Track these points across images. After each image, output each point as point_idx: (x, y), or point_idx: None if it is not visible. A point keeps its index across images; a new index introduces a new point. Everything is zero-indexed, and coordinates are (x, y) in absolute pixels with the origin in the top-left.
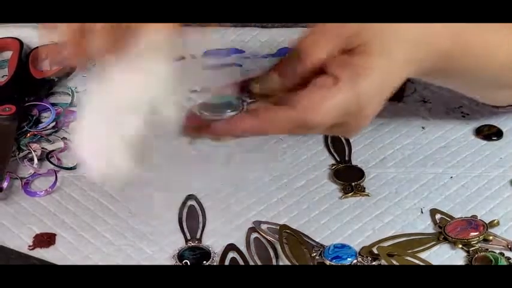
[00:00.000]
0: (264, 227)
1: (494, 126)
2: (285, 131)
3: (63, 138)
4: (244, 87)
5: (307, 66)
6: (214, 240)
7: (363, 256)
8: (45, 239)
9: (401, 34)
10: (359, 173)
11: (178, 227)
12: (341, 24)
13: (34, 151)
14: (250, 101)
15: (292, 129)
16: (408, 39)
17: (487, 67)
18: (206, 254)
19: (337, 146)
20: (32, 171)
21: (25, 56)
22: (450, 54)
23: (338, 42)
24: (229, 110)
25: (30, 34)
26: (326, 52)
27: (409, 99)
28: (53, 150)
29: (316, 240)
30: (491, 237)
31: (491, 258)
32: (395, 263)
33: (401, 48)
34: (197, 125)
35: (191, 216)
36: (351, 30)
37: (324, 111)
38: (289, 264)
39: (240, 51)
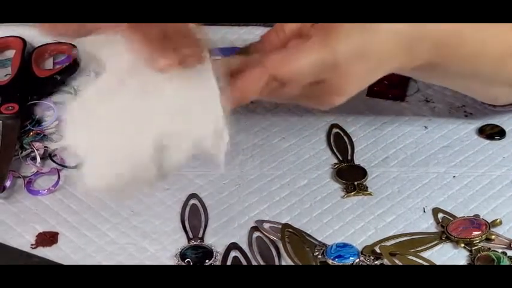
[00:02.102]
0: (266, 226)
1: (497, 126)
2: (259, 91)
3: None
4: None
5: (285, 32)
6: (217, 239)
7: (365, 255)
8: (48, 238)
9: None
10: (361, 172)
11: (181, 226)
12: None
13: (37, 150)
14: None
15: (266, 88)
16: (401, 28)
17: (482, 59)
18: (208, 252)
19: (340, 145)
20: (34, 170)
21: (28, 54)
22: (446, 43)
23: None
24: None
25: (33, 33)
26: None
27: (412, 99)
28: (55, 149)
29: (319, 239)
30: (493, 237)
31: (494, 257)
32: (397, 262)
33: (393, 27)
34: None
35: (193, 215)
36: None
37: (296, 65)
38: (291, 263)
39: None
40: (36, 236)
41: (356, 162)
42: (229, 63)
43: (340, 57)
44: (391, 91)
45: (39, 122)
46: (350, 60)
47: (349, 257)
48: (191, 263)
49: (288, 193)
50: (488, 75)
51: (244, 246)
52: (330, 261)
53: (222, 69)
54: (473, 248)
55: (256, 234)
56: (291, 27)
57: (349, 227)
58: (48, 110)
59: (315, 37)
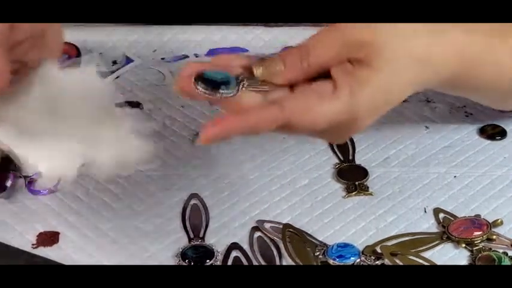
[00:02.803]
0: (267, 226)
1: (498, 126)
2: (269, 130)
3: None
4: (247, 67)
5: (309, 63)
6: (218, 239)
7: (366, 255)
8: (49, 238)
9: (409, 52)
10: (362, 172)
11: (182, 226)
12: (349, 30)
13: None
14: (247, 83)
15: (277, 129)
16: (415, 59)
17: (495, 85)
18: (209, 252)
19: (341, 145)
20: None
21: None
22: (457, 75)
23: (343, 48)
24: (223, 88)
25: None
26: (330, 55)
27: (413, 99)
28: None
29: (320, 239)
30: (494, 237)
31: (495, 257)
32: (398, 262)
33: (406, 68)
34: (188, 91)
35: (194, 215)
36: (357, 39)
37: (313, 118)
38: (292, 263)
39: (243, 50)
40: (37, 236)
41: (357, 162)
42: (269, 69)
43: (357, 111)
44: None
45: None
46: (366, 114)
47: (350, 257)
48: (192, 263)
49: (289, 193)
50: (502, 96)
51: (245, 246)
52: (331, 261)
53: (263, 71)
54: (474, 248)
55: (257, 234)
56: (316, 60)
57: (350, 227)
58: None
59: (342, 88)
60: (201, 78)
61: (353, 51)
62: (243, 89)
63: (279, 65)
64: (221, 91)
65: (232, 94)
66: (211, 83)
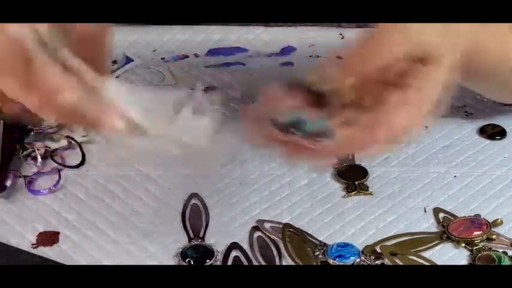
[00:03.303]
0: (267, 225)
1: (498, 126)
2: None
3: (67, 137)
4: (309, 99)
5: (374, 66)
6: (218, 238)
7: (366, 255)
8: (49, 238)
9: (451, 39)
10: (362, 172)
11: (182, 226)
12: (406, 29)
13: (38, 149)
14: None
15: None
16: (452, 46)
17: (499, 70)
18: (209, 252)
19: None
20: (35, 169)
21: None
22: (469, 54)
23: (404, 47)
24: (326, 139)
25: None
26: (393, 55)
27: None
28: (56, 149)
29: (319, 239)
30: (494, 236)
31: (495, 257)
32: (398, 261)
33: (449, 54)
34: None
35: (194, 215)
36: (417, 37)
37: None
38: (292, 263)
39: (244, 50)
40: (37, 236)
41: (357, 161)
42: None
43: (429, 105)
44: None
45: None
46: (433, 103)
47: (350, 257)
48: (192, 263)
49: (289, 193)
50: (503, 85)
51: (245, 246)
52: (331, 261)
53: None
54: (474, 248)
55: (257, 234)
56: (379, 61)
57: (350, 226)
58: None
59: (419, 92)
60: (294, 126)
61: (415, 49)
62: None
63: (334, 71)
64: (325, 141)
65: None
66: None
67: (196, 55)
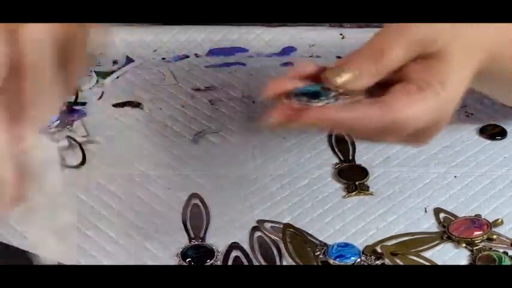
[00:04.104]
0: (267, 225)
1: (498, 126)
2: (372, 131)
3: (67, 137)
4: (318, 78)
5: (383, 65)
6: (218, 238)
7: (366, 255)
8: None
9: (470, 39)
10: (363, 172)
11: (182, 226)
12: (416, 26)
13: None
14: (333, 94)
15: (380, 129)
16: (473, 44)
17: None
18: (210, 252)
19: (341, 144)
20: None
21: None
22: (499, 55)
23: (415, 45)
24: (324, 98)
25: None
26: (403, 54)
27: None
28: None
29: (320, 239)
30: (495, 236)
31: (495, 257)
32: (398, 262)
33: (470, 54)
34: (287, 115)
35: (195, 215)
36: (428, 33)
37: (414, 114)
38: (292, 263)
39: (244, 50)
40: None
41: (357, 162)
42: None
43: (445, 106)
44: None
45: None
46: (451, 108)
47: (350, 257)
48: (192, 263)
49: (289, 193)
50: None
51: (246, 246)
52: (331, 261)
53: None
54: (475, 248)
55: (257, 234)
56: (390, 62)
57: (350, 226)
58: None
59: (429, 85)
60: (297, 94)
61: (426, 46)
62: (340, 96)
63: (353, 71)
64: (323, 100)
65: (331, 102)
66: (308, 95)
67: (196, 55)
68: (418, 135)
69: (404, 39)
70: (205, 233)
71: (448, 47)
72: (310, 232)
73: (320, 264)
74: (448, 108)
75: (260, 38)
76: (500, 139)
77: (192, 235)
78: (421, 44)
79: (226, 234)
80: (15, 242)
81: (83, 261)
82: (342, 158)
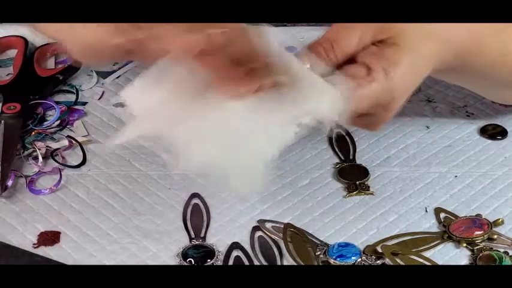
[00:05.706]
0: (268, 225)
1: (499, 126)
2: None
3: (68, 137)
4: None
5: (336, 54)
6: (219, 238)
7: (367, 255)
8: (50, 237)
9: (427, 29)
10: (363, 172)
11: (183, 226)
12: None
13: (39, 149)
14: None
15: None
16: (432, 35)
17: (500, 67)
18: (210, 252)
19: (342, 144)
20: (36, 169)
21: (30, 54)
22: (468, 51)
23: (368, 32)
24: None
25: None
26: (356, 41)
27: (414, 99)
28: (57, 149)
29: (321, 239)
30: (495, 236)
31: (496, 257)
32: (399, 261)
33: (427, 42)
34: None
35: (195, 215)
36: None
37: (356, 99)
38: (293, 263)
39: None
40: (38, 236)
41: (358, 161)
42: None
43: (394, 90)
44: None
45: (41, 122)
46: (401, 93)
47: (351, 257)
48: (193, 263)
49: (290, 193)
50: (505, 82)
51: (246, 245)
52: (332, 261)
53: None
54: (475, 248)
55: (258, 233)
56: (342, 49)
57: (351, 226)
58: (50, 110)
59: (377, 70)
60: None
61: (378, 34)
62: None
63: (307, 62)
64: None
65: None
66: None
67: None
68: (367, 119)
69: (359, 25)
70: (205, 232)
71: (400, 34)
72: (310, 232)
73: (321, 264)
74: (397, 94)
75: None
76: (501, 139)
77: (193, 235)
78: (374, 30)
79: (227, 234)
80: (16, 242)
81: (84, 261)
82: (343, 158)
